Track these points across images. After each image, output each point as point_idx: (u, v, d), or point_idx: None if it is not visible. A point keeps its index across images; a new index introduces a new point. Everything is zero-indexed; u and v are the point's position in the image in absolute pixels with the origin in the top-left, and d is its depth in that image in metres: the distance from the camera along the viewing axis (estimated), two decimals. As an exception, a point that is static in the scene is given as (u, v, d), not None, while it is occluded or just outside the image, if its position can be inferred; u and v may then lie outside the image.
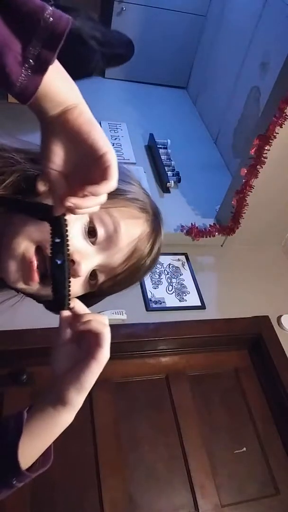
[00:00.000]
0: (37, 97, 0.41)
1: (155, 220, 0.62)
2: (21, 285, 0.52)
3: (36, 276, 0.51)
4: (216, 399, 1.78)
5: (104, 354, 0.50)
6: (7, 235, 0.52)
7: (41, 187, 0.53)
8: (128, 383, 1.72)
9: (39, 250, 0.51)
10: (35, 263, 0.50)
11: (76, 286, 0.55)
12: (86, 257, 0.54)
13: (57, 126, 0.44)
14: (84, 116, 0.46)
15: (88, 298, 0.60)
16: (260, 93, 2.58)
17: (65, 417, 0.53)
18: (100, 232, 0.55)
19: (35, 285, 0.52)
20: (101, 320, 0.52)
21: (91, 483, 1.45)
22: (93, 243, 0.55)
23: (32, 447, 0.54)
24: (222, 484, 1.57)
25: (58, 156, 0.45)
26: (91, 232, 0.55)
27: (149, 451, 1.58)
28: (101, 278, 0.58)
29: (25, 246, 0.50)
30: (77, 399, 0.52)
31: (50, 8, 0.38)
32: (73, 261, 0.52)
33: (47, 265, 0.51)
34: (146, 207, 0.61)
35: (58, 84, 0.42)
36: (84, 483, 1.45)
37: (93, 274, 0.57)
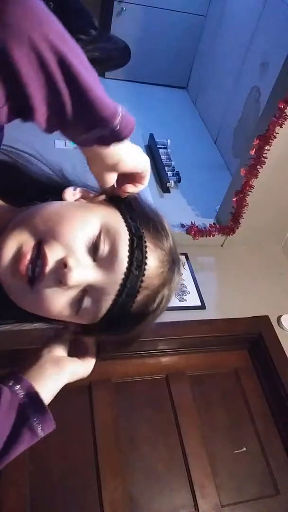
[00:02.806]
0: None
1: (168, 272, 0.56)
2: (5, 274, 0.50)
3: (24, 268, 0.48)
4: (216, 399, 1.78)
5: None
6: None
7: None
8: (128, 383, 1.72)
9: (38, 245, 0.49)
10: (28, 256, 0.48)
11: (61, 300, 0.50)
12: (80, 265, 0.49)
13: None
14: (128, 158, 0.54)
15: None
16: (260, 93, 2.58)
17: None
18: (103, 248, 0.51)
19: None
20: None
21: (91, 483, 1.45)
22: (94, 259, 0.51)
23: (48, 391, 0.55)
24: (222, 484, 1.57)
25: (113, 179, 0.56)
26: (95, 248, 0.51)
27: (149, 451, 1.58)
28: (91, 307, 0.52)
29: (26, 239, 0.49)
30: None
31: (119, 115, 0.45)
32: (64, 264, 0.48)
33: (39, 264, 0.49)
34: (163, 259, 0.55)
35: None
36: (84, 483, 1.45)
37: (81, 296, 0.52)
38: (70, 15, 2.63)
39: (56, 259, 0.49)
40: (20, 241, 0.49)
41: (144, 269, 0.52)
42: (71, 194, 0.57)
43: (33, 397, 0.51)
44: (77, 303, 0.52)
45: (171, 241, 0.57)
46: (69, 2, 2.62)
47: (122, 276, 0.51)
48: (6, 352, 1.45)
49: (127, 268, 0.51)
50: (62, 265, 0.48)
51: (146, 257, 0.52)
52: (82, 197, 0.58)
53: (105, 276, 0.51)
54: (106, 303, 0.52)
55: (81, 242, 0.50)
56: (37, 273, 0.48)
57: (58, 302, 0.50)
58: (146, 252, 0.52)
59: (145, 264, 0.52)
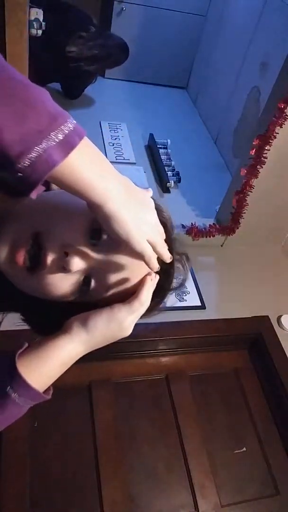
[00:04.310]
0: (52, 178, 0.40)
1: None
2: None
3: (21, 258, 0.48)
4: (216, 399, 1.78)
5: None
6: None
7: None
8: (128, 383, 1.72)
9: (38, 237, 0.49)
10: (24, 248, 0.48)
11: (65, 284, 0.51)
12: (81, 252, 0.50)
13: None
14: (113, 220, 0.46)
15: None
16: (260, 93, 2.58)
17: (59, 341, 0.53)
18: (106, 235, 0.50)
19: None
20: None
21: (91, 483, 1.45)
22: (94, 245, 0.50)
23: (31, 367, 0.51)
24: (222, 484, 1.57)
25: None
26: (95, 232, 0.50)
27: (149, 451, 1.58)
28: (96, 288, 0.53)
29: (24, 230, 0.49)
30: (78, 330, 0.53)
31: (27, 155, 0.37)
32: (66, 253, 0.48)
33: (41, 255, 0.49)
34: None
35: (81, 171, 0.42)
36: (84, 483, 1.45)
37: (87, 281, 0.52)
38: (70, 14, 2.64)
39: (56, 249, 0.49)
40: (16, 233, 0.49)
41: None
42: None
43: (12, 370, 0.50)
44: (81, 285, 0.52)
45: (169, 219, 0.58)
46: (67, 3, 2.64)
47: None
48: (6, 352, 1.45)
49: None
50: (63, 253, 0.49)
51: None
52: None
53: (108, 258, 0.51)
54: (111, 285, 0.52)
55: (77, 228, 0.50)
56: (38, 263, 0.49)
57: (62, 286, 0.51)
58: None
59: None
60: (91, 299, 0.54)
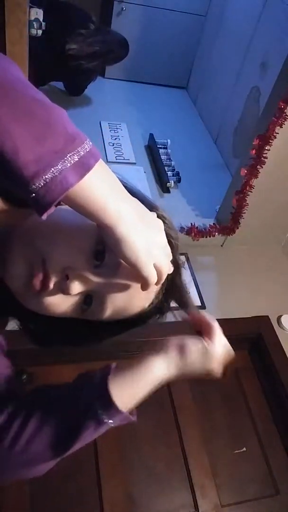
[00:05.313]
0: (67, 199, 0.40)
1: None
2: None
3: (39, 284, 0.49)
4: (216, 399, 1.78)
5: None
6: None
7: None
8: (128, 383, 1.72)
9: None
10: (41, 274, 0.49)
11: (66, 304, 0.51)
12: (82, 275, 0.49)
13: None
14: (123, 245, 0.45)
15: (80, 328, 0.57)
16: (260, 93, 2.58)
17: (153, 362, 0.57)
18: (109, 257, 0.50)
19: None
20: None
21: (91, 483, 1.45)
22: (97, 266, 0.50)
23: (122, 388, 0.56)
24: (222, 484, 1.57)
25: None
26: (99, 253, 0.50)
27: (149, 451, 1.58)
28: (96, 308, 0.53)
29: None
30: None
31: (41, 177, 0.37)
32: (67, 276, 0.49)
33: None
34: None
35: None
36: (84, 483, 1.45)
37: (88, 300, 0.52)
38: (69, 12, 2.65)
39: (58, 272, 0.49)
40: (28, 257, 0.49)
41: None
42: None
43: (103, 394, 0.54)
44: (82, 305, 0.52)
45: (176, 235, 0.58)
46: (65, 2, 2.65)
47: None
48: (6, 352, 1.45)
49: None
50: (65, 276, 0.49)
51: None
52: None
53: (109, 280, 0.51)
54: (112, 305, 0.52)
55: (81, 250, 0.49)
56: (42, 286, 0.49)
57: (63, 306, 0.51)
58: None
59: None
60: (92, 317, 0.54)
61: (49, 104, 0.39)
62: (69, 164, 0.37)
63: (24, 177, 0.36)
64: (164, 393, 1.73)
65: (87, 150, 0.39)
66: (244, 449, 1.68)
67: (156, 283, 0.50)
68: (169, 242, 0.52)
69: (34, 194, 0.37)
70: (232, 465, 1.62)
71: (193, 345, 0.57)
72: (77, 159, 0.38)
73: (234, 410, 1.77)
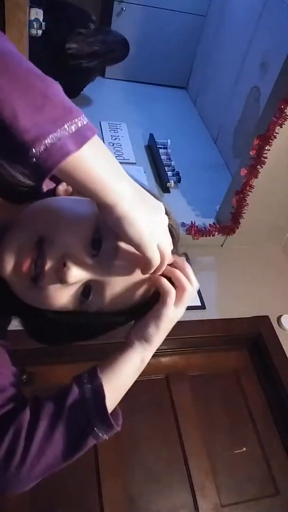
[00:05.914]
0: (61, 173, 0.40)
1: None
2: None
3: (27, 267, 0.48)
4: (216, 399, 1.78)
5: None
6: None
7: None
8: (128, 383, 1.71)
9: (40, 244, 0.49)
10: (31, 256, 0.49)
11: (64, 295, 0.50)
12: (80, 263, 0.49)
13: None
14: (125, 222, 0.45)
15: (77, 323, 0.56)
16: (260, 93, 2.58)
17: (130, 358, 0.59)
18: (107, 245, 0.49)
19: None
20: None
21: (91, 484, 1.45)
22: (94, 255, 0.50)
23: (111, 386, 0.56)
24: (222, 484, 1.57)
25: None
26: (95, 243, 0.50)
27: (149, 451, 1.58)
28: (95, 299, 0.52)
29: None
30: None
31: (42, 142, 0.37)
32: (64, 264, 0.48)
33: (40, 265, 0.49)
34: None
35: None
36: (84, 484, 1.45)
37: (86, 292, 0.51)
38: (69, 11, 2.65)
39: (56, 258, 0.49)
40: (21, 243, 0.49)
41: None
42: (64, 189, 0.56)
43: (98, 401, 0.54)
44: (80, 296, 0.52)
45: (176, 226, 0.58)
46: (65, 1, 2.65)
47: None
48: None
49: None
50: (62, 264, 0.48)
51: None
52: (74, 191, 0.57)
53: (107, 269, 0.50)
54: (111, 294, 0.52)
55: (79, 239, 0.49)
56: (38, 272, 0.49)
57: (61, 297, 0.51)
58: None
59: None
60: (91, 309, 0.54)
61: (45, 77, 0.40)
62: (67, 133, 0.38)
63: (26, 142, 0.37)
64: (164, 393, 1.73)
65: (84, 123, 0.40)
66: (244, 449, 1.68)
67: (158, 267, 0.49)
68: (170, 232, 0.53)
69: (35, 159, 0.38)
70: (232, 465, 1.62)
71: (146, 326, 0.57)
72: (74, 130, 0.39)
73: (234, 410, 1.77)
